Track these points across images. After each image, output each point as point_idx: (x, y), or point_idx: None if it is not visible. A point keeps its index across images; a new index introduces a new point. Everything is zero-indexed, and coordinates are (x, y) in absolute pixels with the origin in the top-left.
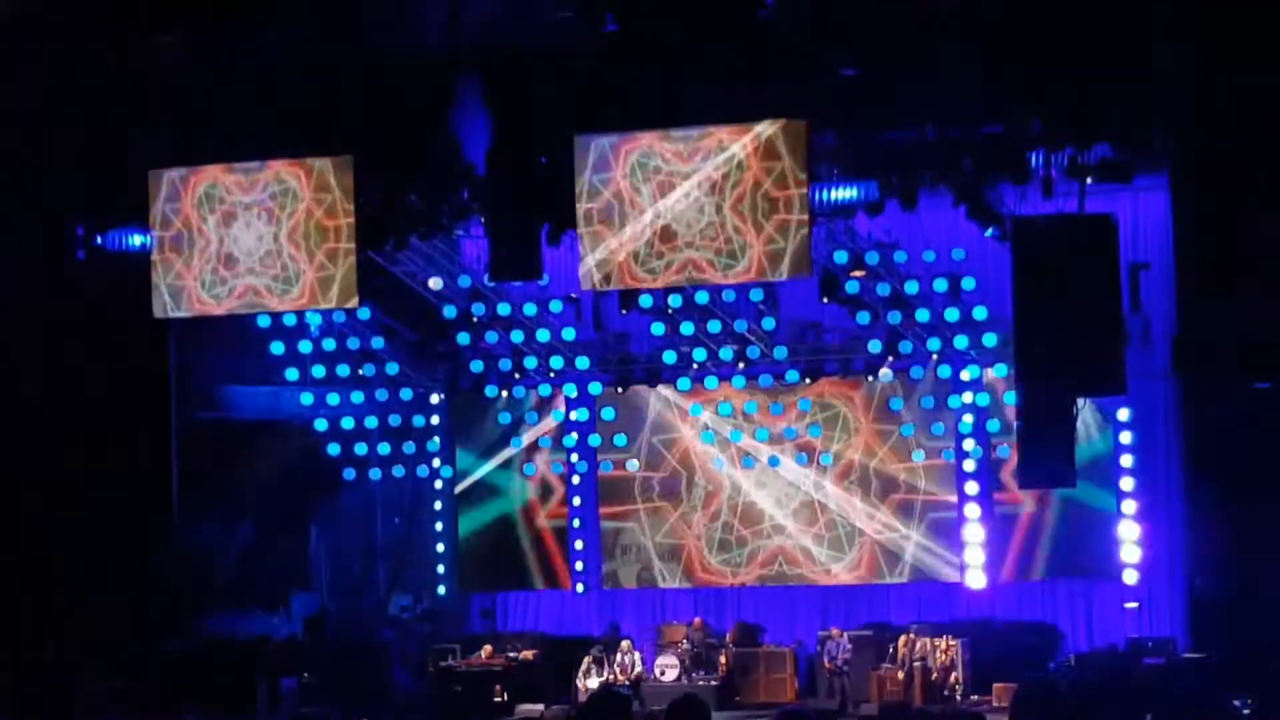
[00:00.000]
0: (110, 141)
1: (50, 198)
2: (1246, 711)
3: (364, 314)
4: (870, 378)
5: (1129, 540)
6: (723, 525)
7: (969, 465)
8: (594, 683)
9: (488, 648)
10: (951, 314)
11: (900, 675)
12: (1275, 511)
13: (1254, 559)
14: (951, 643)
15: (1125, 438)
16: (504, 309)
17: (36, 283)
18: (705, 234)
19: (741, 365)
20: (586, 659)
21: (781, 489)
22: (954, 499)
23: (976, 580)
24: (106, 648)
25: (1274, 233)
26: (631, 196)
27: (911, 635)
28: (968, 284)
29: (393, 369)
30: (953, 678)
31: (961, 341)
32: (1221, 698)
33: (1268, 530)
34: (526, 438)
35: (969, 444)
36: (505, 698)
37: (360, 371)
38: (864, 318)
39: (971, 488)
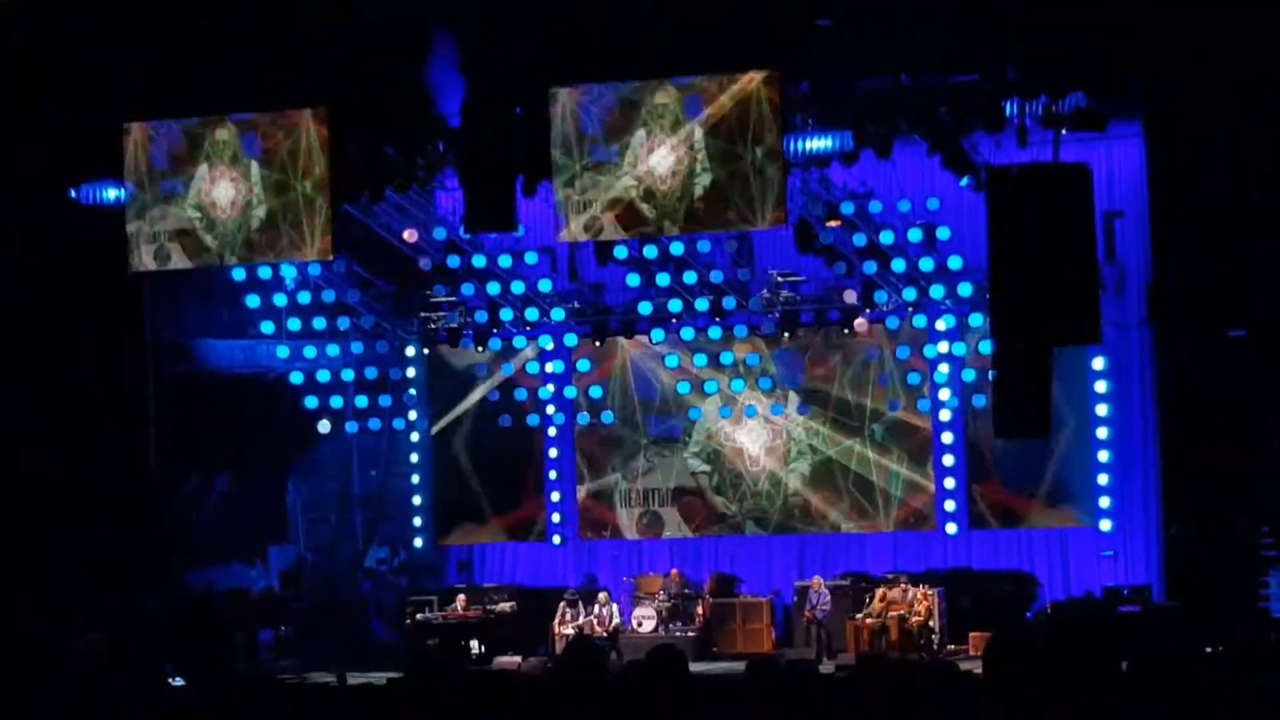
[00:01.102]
0: (85, 94)
1: (24, 151)
2: (1216, 657)
3: (339, 266)
4: (846, 328)
5: (1105, 489)
6: (701, 475)
7: (945, 415)
8: (570, 632)
9: (462, 597)
10: (926, 264)
11: (877, 625)
12: (1250, 460)
13: (1229, 508)
14: (928, 592)
15: (1100, 387)
16: (479, 261)
17: (10, 238)
18: (680, 184)
19: (717, 316)
20: (561, 605)
21: (758, 438)
22: (930, 448)
23: (953, 529)
24: (84, 602)
25: (1248, 180)
26: (606, 148)
27: (888, 585)
28: (943, 234)
29: (368, 321)
30: (930, 626)
31: (937, 291)
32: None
33: (1242, 479)
34: (502, 389)
35: (945, 393)
36: (483, 649)
37: (336, 324)
38: (840, 268)
39: (947, 437)
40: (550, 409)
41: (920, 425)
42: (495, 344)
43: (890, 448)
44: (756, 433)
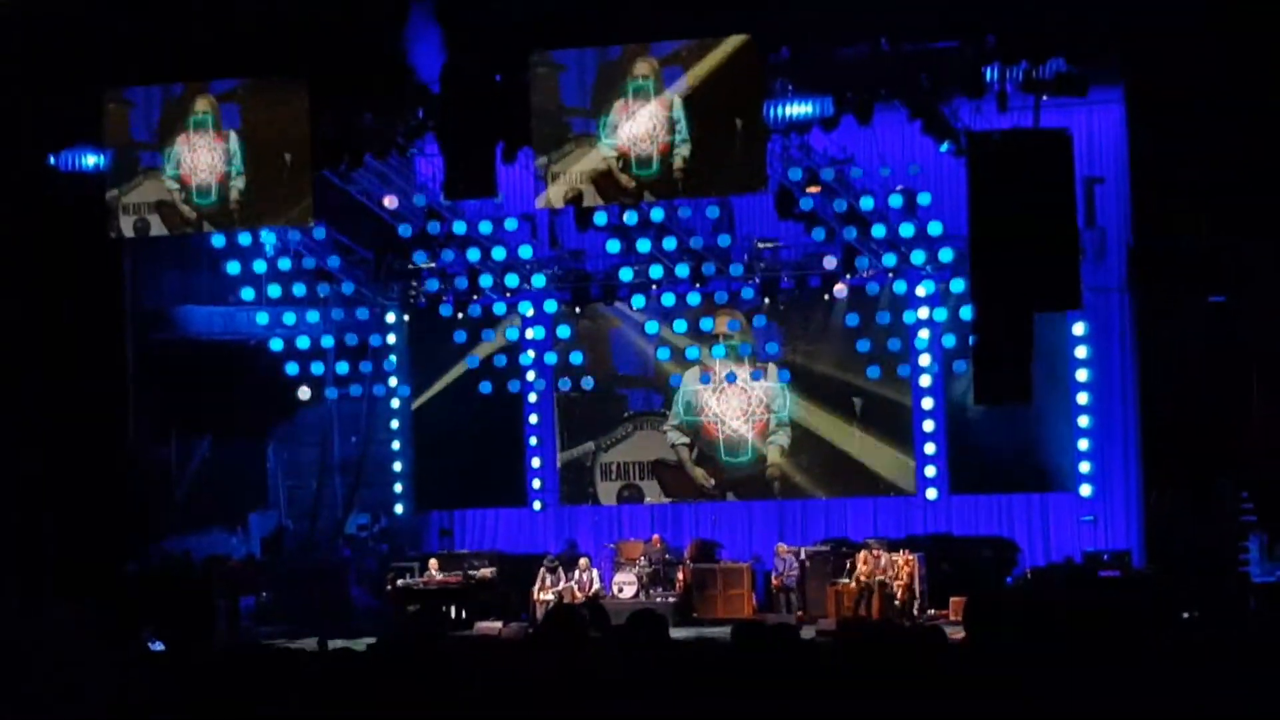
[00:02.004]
0: (64, 61)
1: (2, 118)
2: (1192, 622)
3: (319, 233)
4: (826, 294)
5: (1085, 455)
6: (681, 447)
7: (925, 381)
8: (547, 598)
9: (433, 562)
10: (907, 229)
11: (858, 590)
12: (1230, 425)
13: (1209, 473)
14: (910, 557)
15: (1081, 352)
16: (460, 227)
17: None
18: (659, 152)
19: (698, 283)
20: (542, 571)
21: (738, 408)
22: (910, 413)
23: (933, 495)
24: (64, 568)
25: (1228, 145)
26: (585, 114)
27: (868, 550)
28: (923, 199)
29: (349, 288)
30: (910, 592)
31: (918, 257)
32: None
33: (1223, 444)
34: (482, 356)
35: (925, 359)
36: (463, 615)
37: (316, 291)
38: (820, 234)
39: (928, 403)
40: (530, 375)
41: (900, 392)
42: (475, 310)
43: (870, 415)
44: (736, 402)
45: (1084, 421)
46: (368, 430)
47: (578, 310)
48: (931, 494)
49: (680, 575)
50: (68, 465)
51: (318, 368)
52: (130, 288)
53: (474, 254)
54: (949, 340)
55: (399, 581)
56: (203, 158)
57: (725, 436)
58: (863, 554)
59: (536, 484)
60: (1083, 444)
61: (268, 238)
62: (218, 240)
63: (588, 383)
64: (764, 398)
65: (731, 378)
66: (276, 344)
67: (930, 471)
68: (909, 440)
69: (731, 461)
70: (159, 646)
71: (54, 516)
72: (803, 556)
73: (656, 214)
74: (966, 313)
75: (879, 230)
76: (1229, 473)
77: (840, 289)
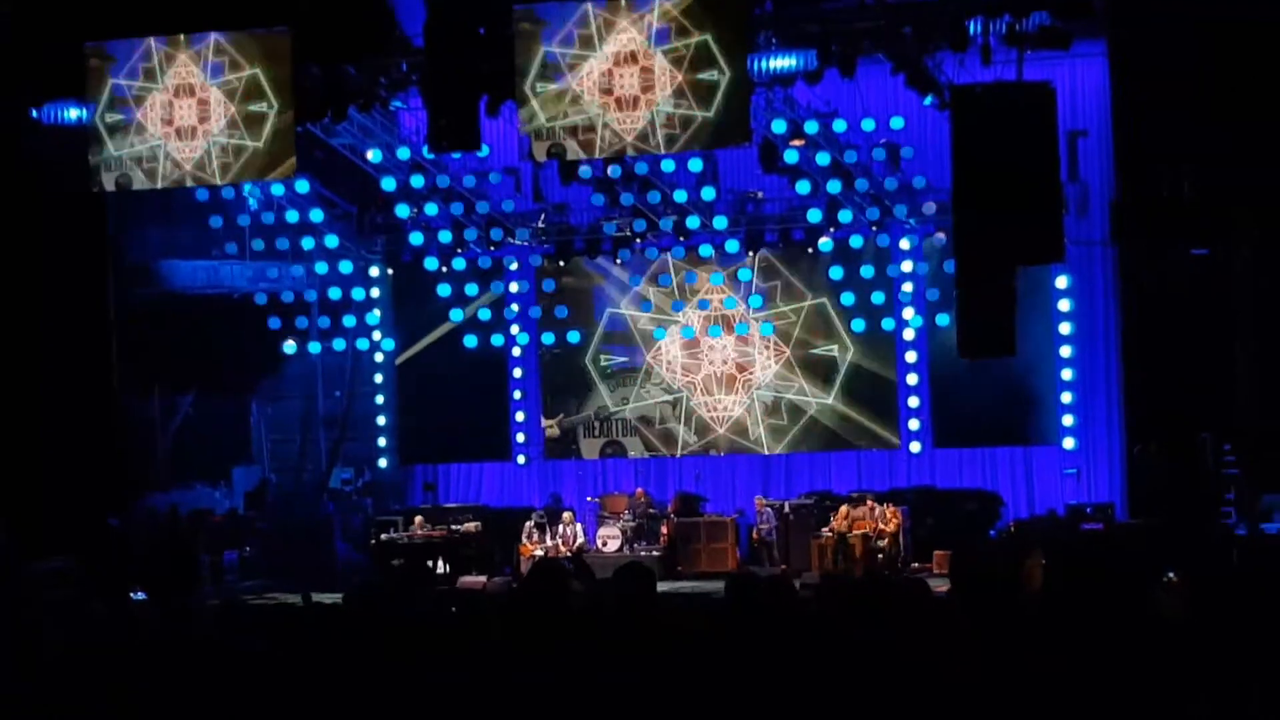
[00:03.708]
0: (45, 14)
1: None
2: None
3: (302, 187)
4: (810, 248)
5: (1068, 407)
6: (664, 405)
7: (908, 334)
8: (537, 552)
9: (419, 518)
10: (890, 183)
11: (843, 543)
12: (1213, 378)
13: (1192, 426)
14: (893, 510)
15: (1064, 305)
16: (443, 181)
17: None
18: (645, 103)
19: (682, 236)
20: (528, 525)
21: (721, 358)
22: (894, 367)
23: (917, 448)
24: (48, 524)
25: (1211, 99)
26: (569, 67)
27: (852, 504)
28: (907, 153)
29: (332, 242)
30: (896, 545)
31: (901, 210)
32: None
33: (1205, 397)
34: (467, 311)
35: (908, 313)
36: (448, 569)
37: (300, 244)
38: (803, 187)
39: (911, 356)
40: (514, 329)
41: (884, 346)
42: (459, 264)
43: (854, 369)
44: (720, 356)
45: (1067, 375)
46: (351, 384)
47: (561, 264)
48: (915, 447)
49: (664, 529)
50: (51, 419)
51: (301, 322)
52: (114, 242)
53: (458, 208)
54: (933, 294)
55: (383, 536)
56: (185, 111)
57: (709, 390)
58: (844, 506)
59: (520, 437)
60: (1066, 397)
61: (251, 192)
62: (201, 194)
63: (573, 336)
64: (748, 351)
65: (715, 331)
66: (260, 298)
67: (914, 425)
68: (893, 394)
69: (715, 416)
70: (141, 596)
71: (38, 471)
72: (786, 510)
73: (640, 167)
74: (950, 266)
75: (862, 184)
76: (1212, 426)
77: (824, 242)
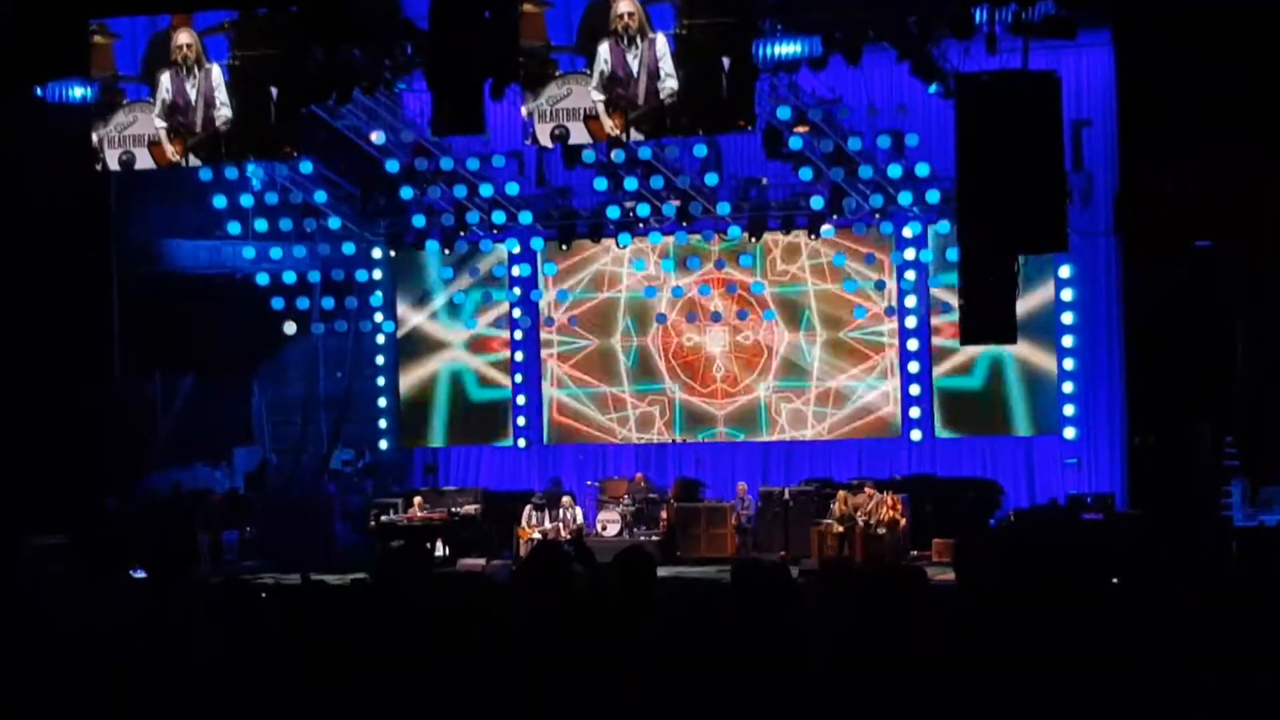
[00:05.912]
0: None
1: None
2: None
3: (306, 168)
4: (813, 234)
5: (1070, 397)
6: (667, 379)
7: (911, 321)
8: (535, 535)
9: (418, 499)
10: (894, 170)
11: (841, 530)
12: (1213, 369)
13: (1192, 417)
14: (893, 498)
15: (1066, 295)
16: (447, 163)
17: None
18: (648, 89)
19: (684, 221)
20: (528, 509)
21: (723, 343)
22: (896, 353)
23: (917, 436)
24: (50, 503)
25: (1216, 89)
26: (573, 52)
27: (851, 491)
28: (911, 140)
29: (335, 223)
30: (896, 533)
31: (905, 198)
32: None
33: (1206, 388)
34: (467, 293)
35: (911, 300)
36: (447, 552)
37: (302, 225)
38: (807, 174)
39: (913, 344)
40: (516, 312)
41: (886, 332)
42: (462, 246)
43: (857, 355)
44: (722, 341)
45: (1069, 364)
46: (353, 366)
47: (564, 248)
48: (916, 435)
49: (664, 514)
50: (53, 399)
51: (303, 303)
52: (117, 221)
53: (461, 190)
54: (936, 282)
55: (383, 517)
56: (189, 91)
57: (710, 375)
58: (843, 493)
59: (521, 421)
60: (1067, 387)
61: (254, 172)
62: (204, 174)
63: (573, 321)
64: (750, 336)
65: (717, 316)
66: (262, 278)
67: (915, 413)
68: (894, 381)
69: (716, 401)
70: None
71: (41, 451)
72: (786, 497)
73: (644, 152)
74: (953, 254)
75: (866, 171)
76: (1213, 417)
77: (827, 229)
